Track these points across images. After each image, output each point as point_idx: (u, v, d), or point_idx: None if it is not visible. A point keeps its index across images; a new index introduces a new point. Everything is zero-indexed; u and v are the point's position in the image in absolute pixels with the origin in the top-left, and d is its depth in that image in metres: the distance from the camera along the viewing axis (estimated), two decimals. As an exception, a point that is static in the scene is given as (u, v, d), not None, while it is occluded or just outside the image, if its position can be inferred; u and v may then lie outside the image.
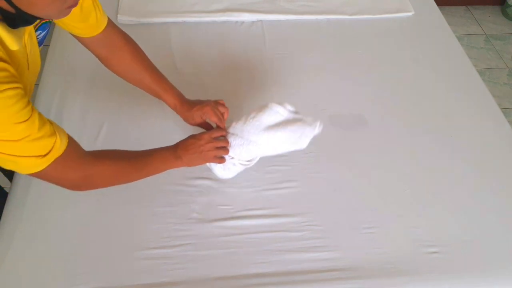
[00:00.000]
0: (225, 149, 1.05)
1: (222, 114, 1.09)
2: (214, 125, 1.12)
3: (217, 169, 1.09)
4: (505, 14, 2.82)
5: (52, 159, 0.76)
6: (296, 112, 1.10)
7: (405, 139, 1.28)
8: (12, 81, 0.68)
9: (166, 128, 1.25)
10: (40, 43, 0.87)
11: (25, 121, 0.69)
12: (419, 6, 1.73)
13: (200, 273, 0.99)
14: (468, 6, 2.88)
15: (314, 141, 1.25)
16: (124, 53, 1.05)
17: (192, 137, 1.03)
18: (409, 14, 1.69)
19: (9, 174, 1.24)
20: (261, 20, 1.62)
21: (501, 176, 1.22)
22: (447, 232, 1.09)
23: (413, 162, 1.23)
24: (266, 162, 1.20)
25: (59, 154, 0.77)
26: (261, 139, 1.05)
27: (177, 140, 1.04)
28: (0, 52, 0.68)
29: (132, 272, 0.99)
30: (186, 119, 1.11)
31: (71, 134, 0.85)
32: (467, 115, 1.36)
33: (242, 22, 1.61)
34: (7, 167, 0.75)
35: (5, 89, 0.66)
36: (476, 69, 1.53)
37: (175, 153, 1.00)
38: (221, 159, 1.05)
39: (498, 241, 1.09)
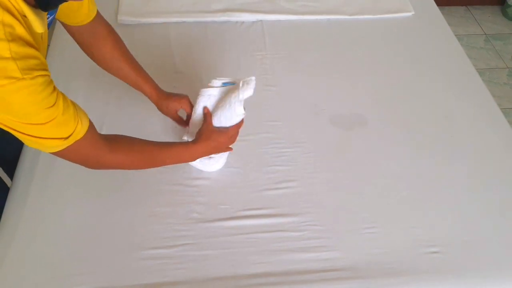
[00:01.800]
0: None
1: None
2: (184, 117, 1.20)
3: (200, 165, 1.14)
4: (505, 14, 2.82)
5: (73, 141, 0.81)
6: (227, 81, 1.12)
7: (405, 139, 1.28)
8: (42, 68, 0.71)
9: (165, 127, 1.25)
10: (47, 25, 0.89)
11: (51, 106, 0.74)
12: (419, 6, 1.73)
13: (200, 273, 0.99)
14: (468, 6, 2.88)
15: (314, 141, 1.26)
16: (106, 42, 1.08)
17: (218, 130, 1.08)
18: (409, 14, 1.69)
19: (10, 172, 1.24)
20: (261, 20, 1.62)
21: (501, 176, 1.22)
22: (447, 232, 1.09)
23: (413, 162, 1.23)
24: (266, 162, 1.20)
25: (80, 137, 0.81)
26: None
27: (176, 140, 1.10)
28: (30, 39, 0.70)
29: (132, 272, 0.99)
30: (160, 107, 1.17)
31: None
32: (467, 115, 1.36)
33: (242, 22, 1.61)
34: (32, 146, 0.80)
35: (36, 76, 0.70)
36: (476, 69, 1.53)
37: (195, 141, 1.05)
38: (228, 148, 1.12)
39: (498, 241, 1.09)
